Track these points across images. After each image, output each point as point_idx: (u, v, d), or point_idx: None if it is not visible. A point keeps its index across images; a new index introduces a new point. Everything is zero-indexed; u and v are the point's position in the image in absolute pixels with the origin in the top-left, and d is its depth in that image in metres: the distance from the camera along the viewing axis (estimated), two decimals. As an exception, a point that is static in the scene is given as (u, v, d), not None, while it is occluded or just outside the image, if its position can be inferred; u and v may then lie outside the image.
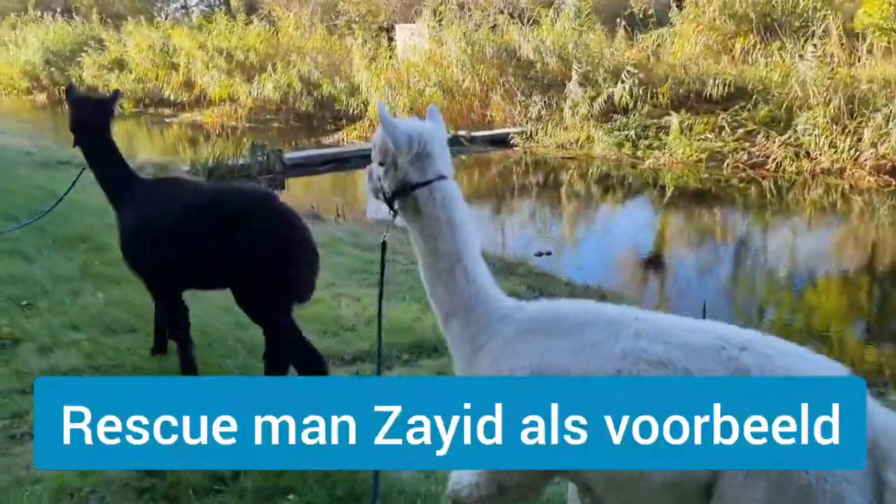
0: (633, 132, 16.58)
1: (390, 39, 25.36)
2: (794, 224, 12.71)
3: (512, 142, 18.11)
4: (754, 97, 16.26)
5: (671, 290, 9.47)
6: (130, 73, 29.18)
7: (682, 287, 9.41)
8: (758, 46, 18.00)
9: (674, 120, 15.97)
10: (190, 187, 4.56)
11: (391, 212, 2.48)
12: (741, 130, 15.65)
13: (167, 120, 26.67)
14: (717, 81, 16.80)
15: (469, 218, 2.44)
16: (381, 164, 2.46)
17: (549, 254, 9.20)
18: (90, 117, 4.40)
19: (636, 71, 17.51)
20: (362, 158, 15.92)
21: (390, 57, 23.47)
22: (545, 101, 18.81)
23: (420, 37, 23.48)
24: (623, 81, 17.46)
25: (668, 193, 14.18)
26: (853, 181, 13.76)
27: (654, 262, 10.36)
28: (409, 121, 2.48)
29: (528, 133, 18.32)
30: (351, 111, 21.88)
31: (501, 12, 21.82)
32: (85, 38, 32.94)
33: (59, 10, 36.90)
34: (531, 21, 20.95)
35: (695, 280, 9.61)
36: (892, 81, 15.27)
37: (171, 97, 27.79)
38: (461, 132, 18.41)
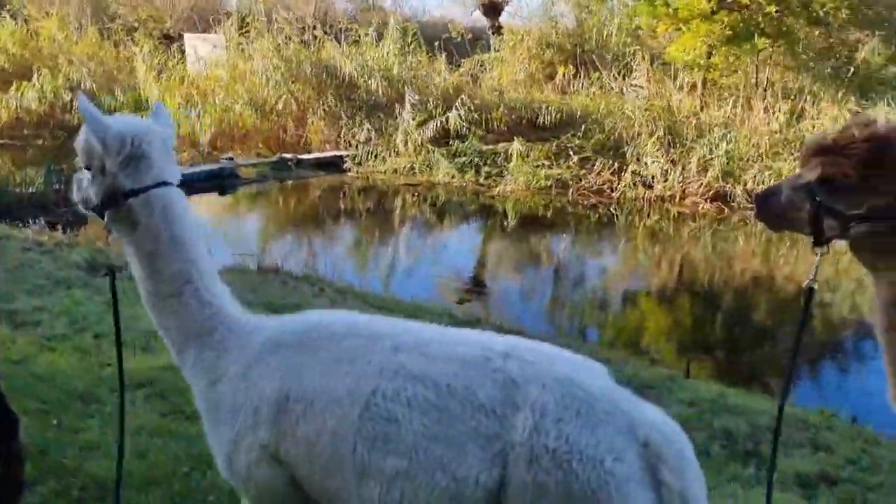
0: (474, 158, 16.16)
1: (182, 51, 22.59)
2: (625, 248, 13.15)
3: (346, 167, 16.79)
4: (584, 126, 16.67)
5: (499, 313, 9.00)
6: None
7: (513, 310, 9.14)
8: (579, 76, 18.63)
9: (515, 146, 15.81)
10: None
11: (105, 227, 2.19)
12: (576, 157, 15.93)
13: None
14: (549, 109, 17.00)
15: (197, 231, 2.19)
16: (88, 167, 2.18)
17: (469, 301, 8.13)
18: None
19: (472, 97, 17.17)
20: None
21: (183, 69, 20.90)
22: (374, 125, 17.74)
23: (219, 49, 21.20)
24: (457, 108, 16.99)
25: (510, 220, 13.99)
26: (684, 207, 14.53)
27: (482, 287, 10.21)
28: (121, 117, 2.24)
29: (359, 158, 17.14)
30: (140, 129, 18.94)
31: (314, 28, 20.35)
32: None
33: None
34: (352, 40, 19.79)
35: (522, 303, 9.60)
36: (699, 114, 16.56)
37: None
38: (286, 155, 16.72)
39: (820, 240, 1.99)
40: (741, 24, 16.07)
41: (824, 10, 15.48)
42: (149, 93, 19.70)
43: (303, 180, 16.07)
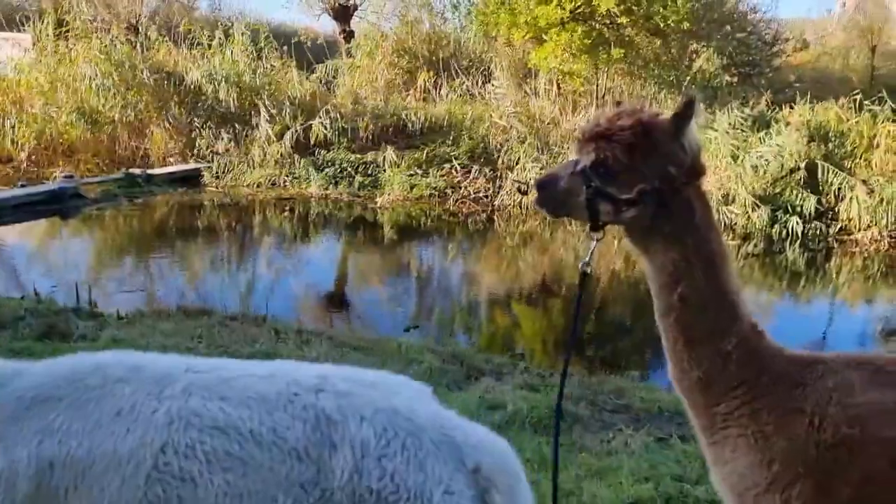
0: (346, 168, 15.48)
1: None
2: (500, 254, 13.18)
3: (204, 181, 15.37)
4: (452, 133, 16.55)
5: (372, 324, 8.69)
6: None
7: (382, 320, 8.78)
8: (440, 83, 18.47)
9: (389, 154, 15.35)
10: None
11: None
12: (449, 165, 15.78)
13: None
14: (416, 116, 16.71)
15: None
16: None
17: (416, 327, 7.56)
18: None
19: (336, 105, 16.43)
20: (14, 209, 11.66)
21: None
22: (229, 136, 16.42)
23: (26, 51, 18.65)
24: (321, 117, 16.18)
25: (399, 233, 13.57)
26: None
27: (342, 299, 9.90)
28: None
29: (217, 171, 15.80)
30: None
31: (147, 29, 18.45)
32: None
33: None
34: (194, 44, 18.15)
35: (387, 312, 9.25)
36: (559, 120, 17.03)
37: None
38: (135, 170, 14.94)
39: (596, 225, 2.01)
40: (593, 34, 16.77)
41: (667, 22, 16.55)
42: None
43: (159, 198, 14.41)
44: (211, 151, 16.36)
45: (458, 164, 15.71)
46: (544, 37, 16.37)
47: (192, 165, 15.95)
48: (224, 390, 1.70)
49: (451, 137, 16.48)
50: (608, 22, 17.11)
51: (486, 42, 19.00)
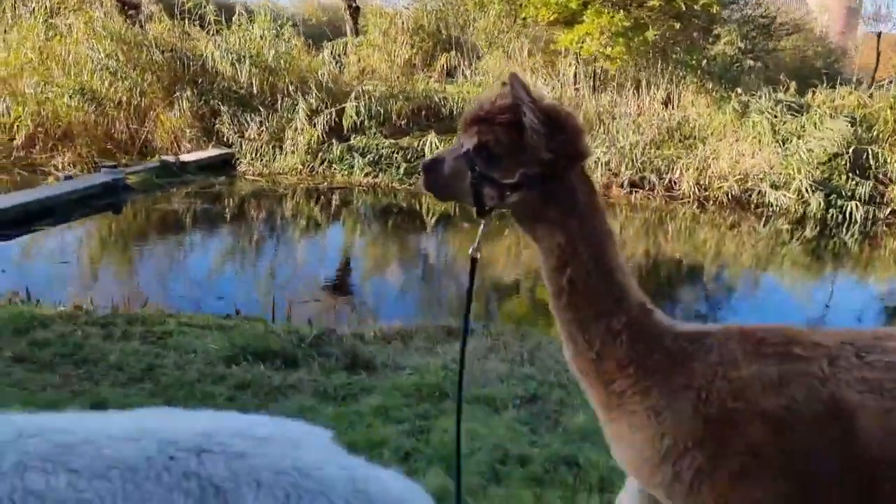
0: (392, 154, 14.86)
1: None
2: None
3: (241, 168, 14.44)
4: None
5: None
6: None
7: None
8: (461, 64, 17.97)
9: (433, 140, 14.82)
10: None
11: None
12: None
13: None
14: (453, 99, 16.20)
15: None
16: None
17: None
18: None
19: (368, 90, 15.68)
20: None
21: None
22: (254, 120, 15.42)
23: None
24: (353, 100, 15.43)
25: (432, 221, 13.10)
26: (611, 198, 14.73)
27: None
28: None
29: (249, 157, 14.86)
30: None
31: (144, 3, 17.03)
32: None
33: None
34: (205, 21, 16.86)
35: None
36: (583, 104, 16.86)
37: None
38: (167, 157, 13.80)
39: (482, 209, 2.00)
40: (625, 17, 16.64)
41: (693, 5, 16.63)
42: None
43: (204, 188, 13.37)
44: (238, 137, 15.30)
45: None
46: (583, 18, 16.14)
47: (223, 151, 14.90)
48: (72, 459, 1.29)
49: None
50: (633, 4, 17.06)
51: (503, 22, 18.57)
